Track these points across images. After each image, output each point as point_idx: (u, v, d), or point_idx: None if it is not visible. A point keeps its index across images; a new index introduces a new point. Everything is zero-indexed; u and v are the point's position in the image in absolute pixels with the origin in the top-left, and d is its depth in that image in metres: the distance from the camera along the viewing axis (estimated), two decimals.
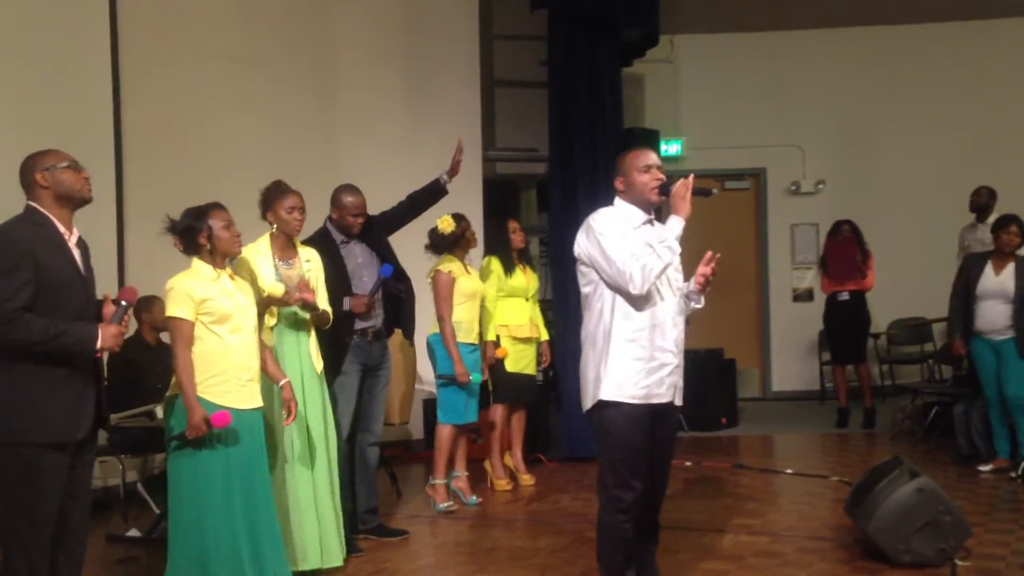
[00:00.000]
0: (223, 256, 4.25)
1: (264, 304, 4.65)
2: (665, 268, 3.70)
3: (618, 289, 3.72)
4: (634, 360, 3.73)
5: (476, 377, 6.10)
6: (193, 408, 4.02)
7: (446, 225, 6.08)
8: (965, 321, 6.85)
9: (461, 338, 6.11)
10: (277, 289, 4.71)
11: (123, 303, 3.66)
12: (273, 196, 4.85)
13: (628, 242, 3.72)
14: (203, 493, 4.11)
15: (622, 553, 3.81)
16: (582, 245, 3.81)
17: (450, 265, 6.14)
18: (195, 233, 4.16)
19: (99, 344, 3.54)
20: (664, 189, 3.81)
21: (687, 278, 3.91)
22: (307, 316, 4.81)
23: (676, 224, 3.74)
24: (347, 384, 5.30)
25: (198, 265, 4.21)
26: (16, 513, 3.56)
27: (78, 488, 3.73)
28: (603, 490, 3.82)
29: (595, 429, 3.85)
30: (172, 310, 4.10)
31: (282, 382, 4.49)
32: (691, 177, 3.77)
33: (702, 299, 3.89)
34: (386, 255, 5.51)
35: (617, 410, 3.73)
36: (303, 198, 4.89)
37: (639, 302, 3.72)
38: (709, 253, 3.80)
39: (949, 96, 10.41)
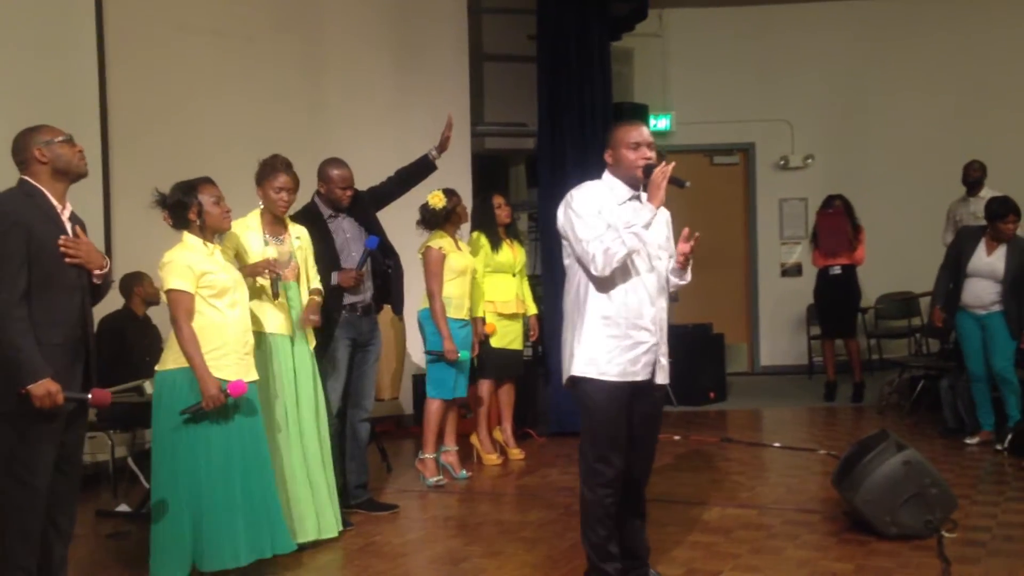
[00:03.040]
0: (213, 231, 4.25)
1: (250, 272, 4.63)
2: (629, 254, 3.66)
3: (583, 268, 3.74)
4: (608, 337, 3.73)
5: (464, 355, 6.09)
6: (207, 379, 4.03)
7: (437, 200, 6.06)
8: (950, 294, 6.88)
9: (451, 314, 6.10)
10: (267, 254, 4.69)
11: (87, 397, 3.61)
12: (265, 173, 4.83)
13: (602, 221, 3.70)
14: (202, 466, 4.12)
15: (604, 527, 3.82)
16: (560, 219, 3.82)
17: (440, 241, 6.13)
18: (185, 208, 4.16)
19: (32, 388, 3.46)
20: (648, 172, 3.76)
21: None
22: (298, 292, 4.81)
23: (646, 212, 3.69)
24: (336, 359, 5.30)
25: (190, 239, 4.20)
26: (10, 485, 3.57)
27: (68, 463, 3.75)
28: (583, 462, 3.84)
29: (576, 403, 3.89)
30: (172, 283, 4.07)
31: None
32: (671, 165, 3.70)
33: (687, 275, 3.87)
34: (374, 230, 5.49)
35: (593, 385, 3.74)
36: (296, 179, 4.87)
37: (611, 280, 3.71)
38: (687, 230, 3.76)
39: (939, 70, 10.39)
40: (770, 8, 10.64)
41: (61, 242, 3.60)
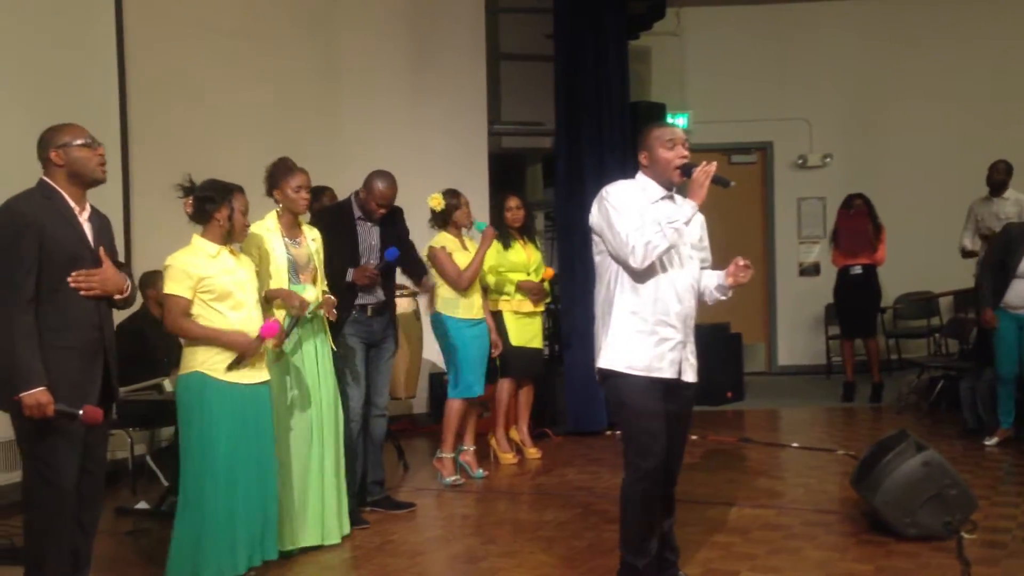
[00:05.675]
0: (229, 238, 4.27)
1: (275, 295, 4.66)
2: (669, 248, 3.71)
3: (619, 261, 3.76)
4: (635, 332, 3.77)
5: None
6: (238, 340, 4.12)
7: (435, 203, 6.11)
8: (996, 292, 6.63)
9: (461, 314, 6.11)
10: (310, 295, 4.71)
11: (79, 412, 3.58)
12: (280, 174, 4.82)
13: (638, 216, 3.73)
14: (208, 468, 4.13)
15: (646, 526, 3.79)
16: (594, 214, 3.84)
17: (443, 241, 6.16)
18: (215, 205, 4.17)
19: (23, 397, 3.47)
20: (686, 171, 3.80)
21: (717, 263, 3.98)
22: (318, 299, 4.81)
23: (689, 208, 3.76)
24: (352, 360, 5.31)
25: (198, 242, 4.21)
26: (38, 486, 3.59)
27: (93, 462, 3.76)
28: (624, 457, 3.83)
29: (611, 400, 3.93)
30: (170, 287, 4.11)
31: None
32: (713, 164, 3.76)
33: (730, 292, 3.97)
34: (401, 247, 5.51)
35: (625, 380, 3.77)
36: (309, 176, 4.87)
37: (641, 275, 3.75)
38: (743, 260, 3.87)
39: (958, 69, 10.31)
40: (788, 7, 10.59)
41: (71, 280, 3.59)
